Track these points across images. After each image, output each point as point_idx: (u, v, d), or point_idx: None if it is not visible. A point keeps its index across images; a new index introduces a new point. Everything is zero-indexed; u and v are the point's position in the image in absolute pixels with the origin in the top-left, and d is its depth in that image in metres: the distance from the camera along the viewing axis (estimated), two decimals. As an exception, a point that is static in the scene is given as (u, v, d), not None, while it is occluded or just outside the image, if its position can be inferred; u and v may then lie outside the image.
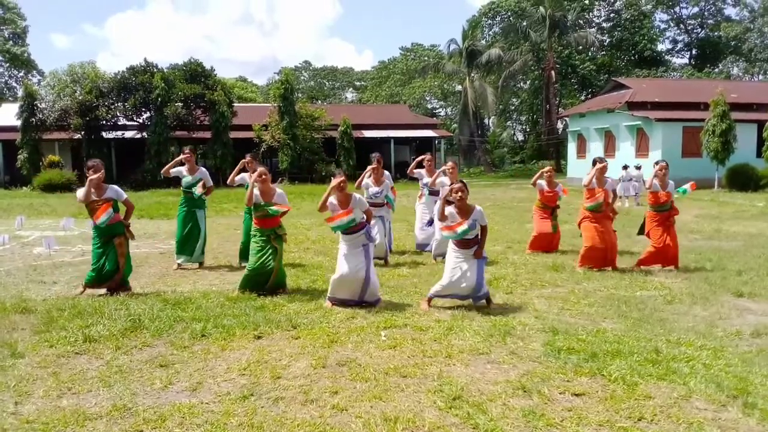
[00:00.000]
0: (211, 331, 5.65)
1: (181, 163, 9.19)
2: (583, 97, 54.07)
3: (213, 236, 12.47)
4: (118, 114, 32.79)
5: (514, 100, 62.34)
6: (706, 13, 60.11)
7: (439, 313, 6.40)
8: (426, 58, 62.94)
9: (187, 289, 7.62)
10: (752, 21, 55.38)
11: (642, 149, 30.04)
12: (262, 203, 7.14)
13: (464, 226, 6.40)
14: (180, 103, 32.77)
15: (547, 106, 49.60)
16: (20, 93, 34.67)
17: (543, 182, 10.67)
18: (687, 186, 9.58)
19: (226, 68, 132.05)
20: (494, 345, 5.31)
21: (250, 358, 4.97)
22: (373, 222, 8.75)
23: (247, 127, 34.95)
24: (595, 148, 33.73)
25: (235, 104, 35.48)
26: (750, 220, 15.22)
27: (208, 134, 33.32)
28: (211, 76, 34.30)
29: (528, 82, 58.65)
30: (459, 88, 54.58)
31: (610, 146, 32.62)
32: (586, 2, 57.81)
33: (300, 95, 57.86)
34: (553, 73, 48.39)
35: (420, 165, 10.70)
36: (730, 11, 59.57)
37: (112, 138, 33.38)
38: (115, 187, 7.43)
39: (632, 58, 57.31)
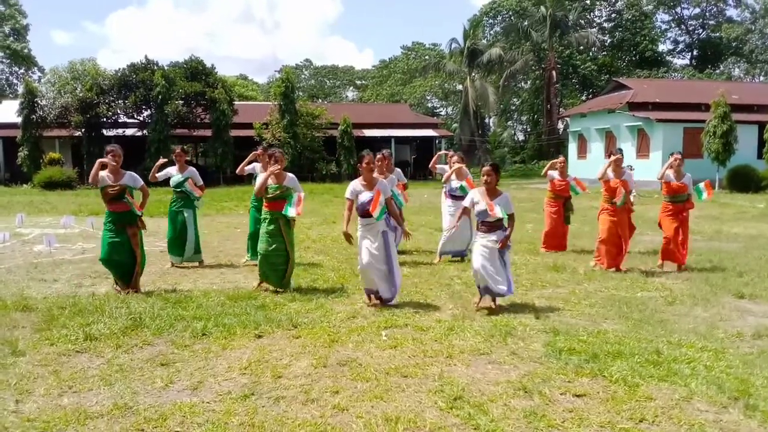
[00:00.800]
0: (211, 329, 5.65)
1: (168, 164, 9.12)
2: (584, 98, 54.05)
3: (213, 235, 12.48)
4: (119, 111, 32.76)
5: (515, 99, 62.30)
6: (707, 14, 60.08)
7: (439, 313, 6.40)
8: (427, 57, 62.92)
9: (188, 287, 7.62)
10: (753, 22, 55.34)
11: (643, 150, 30.06)
12: (274, 185, 7.22)
13: (496, 210, 6.34)
14: (180, 101, 32.75)
15: (548, 106, 49.58)
16: (21, 90, 34.63)
17: (554, 173, 10.65)
18: (702, 185, 9.34)
19: (226, 66, 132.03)
20: (495, 345, 5.31)
21: (251, 357, 4.97)
22: None
23: (248, 126, 34.91)
24: (596, 148, 33.75)
25: (235, 102, 35.45)
26: (751, 221, 15.22)
27: (208, 132, 33.29)
28: (212, 73, 34.28)
29: (529, 82, 58.63)
30: (460, 87, 54.49)
31: (610, 147, 32.59)
32: (588, 2, 57.83)
33: (301, 94, 57.85)
34: (554, 73, 48.38)
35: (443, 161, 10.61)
36: (732, 12, 59.59)
37: (112, 135, 33.27)
38: (133, 173, 7.47)
39: (633, 58, 57.29)
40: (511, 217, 6.45)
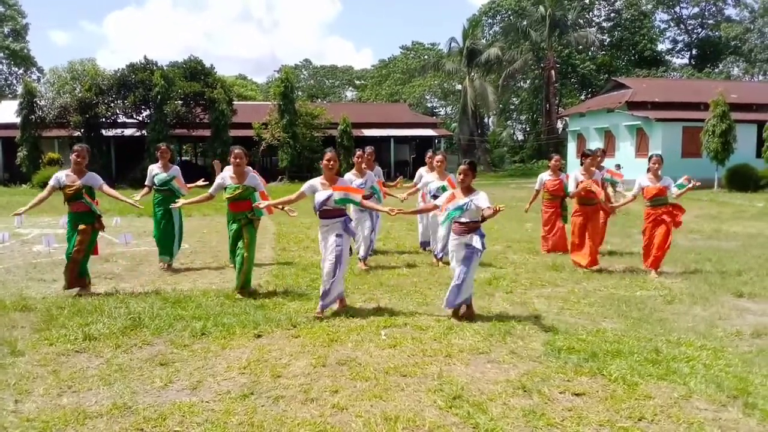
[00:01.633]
0: (211, 329, 5.65)
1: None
2: (583, 97, 54.08)
3: (212, 235, 12.46)
4: (118, 111, 32.74)
5: (514, 99, 62.29)
6: (706, 13, 60.12)
7: (439, 312, 6.40)
8: (426, 57, 62.92)
9: (187, 287, 7.61)
10: (752, 21, 55.39)
11: (642, 149, 30.05)
12: (232, 185, 7.07)
13: (459, 202, 5.96)
14: (180, 101, 32.73)
15: (547, 105, 49.59)
16: (20, 90, 34.61)
17: (544, 175, 10.61)
18: (681, 180, 8.84)
19: (225, 66, 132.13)
20: (494, 344, 5.31)
21: (250, 357, 4.97)
22: (355, 217, 8.72)
23: (247, 125, 34.91)
24: (595, 147, 33.73)
25: (234, 102, 35.43)
26: (750, 220, 15.23)
27: (207, 132, 33.29)
28: (211, 73, 34.26)
29: (528, 82, 58.64)
30: (459, 87, 54.51)
31: (610, 146, 32.60)
32: (587, 2, 57.85)
33: (300, 93, 57.85)
34: (553, 72, 48.38)
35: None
36: (731, 11, 59.64)
37: (111, 135, 33.34)
38: (94, 174, 7.37)
39: (632, 57, 57.31)
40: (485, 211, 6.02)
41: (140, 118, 33.16)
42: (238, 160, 7.08)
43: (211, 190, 7.32)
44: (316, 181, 6.42)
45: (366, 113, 42.00)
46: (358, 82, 78.61)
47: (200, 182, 9.49)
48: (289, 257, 9.91)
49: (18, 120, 31.52)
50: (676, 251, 10.28)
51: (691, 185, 8.65)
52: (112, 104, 32.34)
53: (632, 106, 30.62)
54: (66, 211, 7.27)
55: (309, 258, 9.81)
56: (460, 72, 48.96)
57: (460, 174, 6.17)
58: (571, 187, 8.94)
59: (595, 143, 33.84)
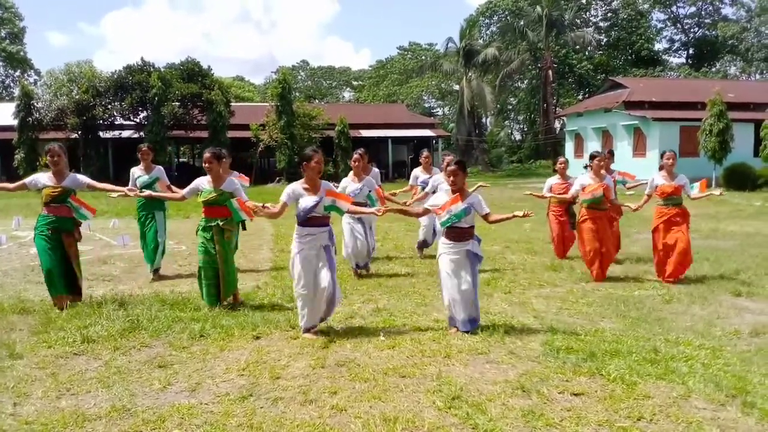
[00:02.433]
0: (209, 331, 5.64)
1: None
2: (580, 97, 54.15)
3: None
4: (115, 113, 32.74)
5: (512, 99, 62.32)
6: (703, 13, 60.20)
7: (437, 313, 6.40)
8: (423, 58, 62.93)
9: (186, 289, 7.60)
10: (749, 20, 55.48)
11: (639, 148, 30.12)
12: (209, 188, 6.50)
13: (461, 205, 5.54)
14: (177, 103, 32.73)
15: (545, 105, 49.63)
16: (17, 92, 34.60)
17: (551, 179, 9.88)
18: (697, 185, 8.25)
19: (223, 67, 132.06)
20: (493, 345, 5.31)
21: (248, 359, 4.97)
22: (349, 222, 8.42)
23: (245, 127, 34.89)
24: (593, 147, 33.74)
25: (232, 103, 35.43)
26: (747, 219, 15.25)
27: (205, 134, 33.28)
28: (209, 75, 34.25)
29: (525, 82, 58.71)
30: (456, 87, 54.54)
31: (607, 145, 32.60)
32: (583, 2, 57.88)
33: (297, 94, 57.81)
34: (550, 72, 48.42)
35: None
36: (728, 10, 59.73)
37: (109, 137, 33.34)
38: (77, 175, 6.89)
39: (629, 57, 57.38)
40: (488, 215, 5.74)
41: (138, 120, 33.15)
42: (207, 165, 6.49)
43: (184, 191, 6.76)
44: (298, 186, 5.69)
45: (363, 114, 42.02)
46: (355, 83, 78.63)
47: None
48: (287, 258, 9.87)
49: (15, 122, 31.51)
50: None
51: (710, 193, 8.26)
52: (109, 106, 32.35)
53: (629, 105, 30.68)
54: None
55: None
56: (457, 72, 48.97)
57: (449, 175, 5.71)
58: (574, 189, 8.42)
59: (592, 143, 33.90)
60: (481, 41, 53.22)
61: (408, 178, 10.67)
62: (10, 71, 57.37)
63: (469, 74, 48.06)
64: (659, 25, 60.87)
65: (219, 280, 6.50)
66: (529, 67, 53.04)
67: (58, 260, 6.51)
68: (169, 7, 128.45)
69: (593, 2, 59.05)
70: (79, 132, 32.00)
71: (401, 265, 9.27)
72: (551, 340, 5.36)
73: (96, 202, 22.50)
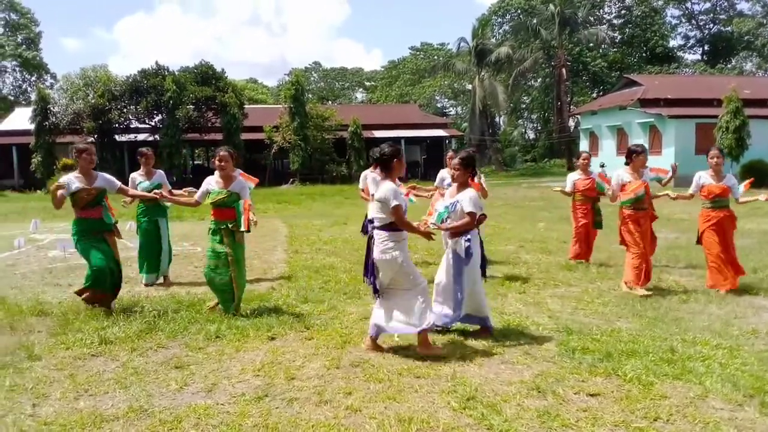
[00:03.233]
0: (225, 332, 5.68)
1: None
2: (594, 95, 53.82)
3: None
4: (131, 117, 33.02)
5: (525, 98, 62.12)
6: (718, 9, 59.64)
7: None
8: (436, 58, 62.89)
9: (201, 290, 7.65)
10: (765, 16, 54.89)
11: (655, 146, 29.86)
12: (216, 189, 6.38)
13: (447, 201, 5.46)
14: (191, 106, 32.96)
15: (558, 103, 49.40)
16: (33, 97, 35.02)
17: (573, 174, 9.47)
18: (741, 185, 7.64)
19: (235, 70, 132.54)
20: (508, 345, 5.29)
21: (264, 359, 4.99)
22: None
23: (258, 129, 35.07)
24: (608, 145, 33.58)
25: (245, 106, 35.62)
26: (765, 217, 15.07)
27: (219, 136, 33.48)
28: (222, 78, 34.46)
29: (539, 80, 58.47)
30: (469, 87, 54.43)
31: (622, 144, 32.40)
32: (597, -1, 57.56)
33: (310, 96, 58.01)
34: (563, 70, 48.18)
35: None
36: (743, 6, 59.58)
37: (124, 141, 33.63)
38: (107, 175, 6.90)
39: (644, 54, 56.98)
40: (470, 215, 5.41)
41: (153, 123, 33.43)
42: (222, 163, 6.40)
43: (197, 195, 6.69)
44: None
45: (376, 115, 42.06)
46: (368, 84, 78.73)
47: (187, 190, 8.24)
48: (301, 259, 9.94)
49: (32, 127, 31.90)
50: (690, 249, 10.20)
51: (756, 198, 7.61)
52: (124, 110, 32.65)
53: (645, 103, 30.45)
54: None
55: (321, 260, 9.84)
56: (470, 72, 48.87)
57: (452, 169, 5.62)
58: (613, 188, 7.60)
59: (607, 141, 33.69)
60: (493, 40, 53.13)
61: (420, 178, 10.45)
62: (26, 76, 58.09)
63: (482, 73, 47.95)
64: (674, 22, 60.51)
65: (232, 286, 6.32)
66: (543, 65, 52.82)
67: (108, 258, 6.49)
68: (181, 11, 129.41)
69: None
70: (95, 136, 32.30)
71: (417, 265, 9.24)
72: (567, 341, 5.33)
73: (112, 205, 22.69)
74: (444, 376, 4.59)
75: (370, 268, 5.15)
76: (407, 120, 41.38)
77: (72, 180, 6.64)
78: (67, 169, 30.64)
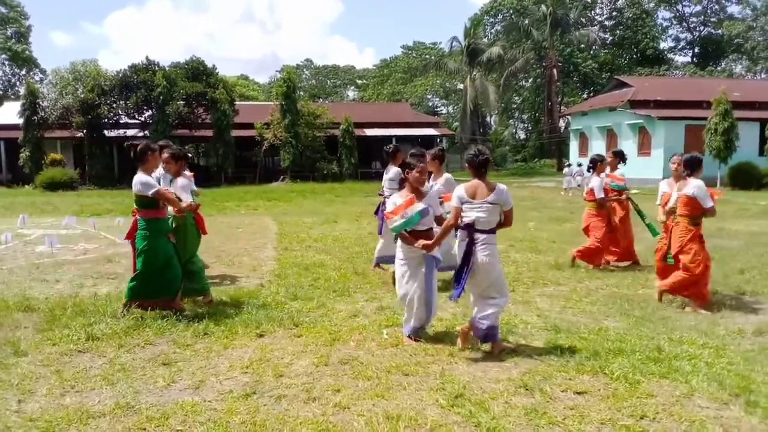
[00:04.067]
0: (213, 329, 5.66)
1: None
2: (585, 96, 54.08)
3: (215, 235, 12.47)
4: (120, 112, 32.86)
5: (516, 98, 62.33)
6: (708, 11, 60.10)
7: (440, 311, 6.39)
8: (428, 57, 62.94)
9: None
10: (755, 19, 55.30)
11: (644, 147, 30.06)
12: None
13: (416, 207, 5.07)
14: (182, 102, 32.82)
15: (549, 104, 49.62)
16: (22, 91, 34.75)
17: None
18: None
19: (227, 66, 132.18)
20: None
21: (252, 356, 4.98)
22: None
23: (249, 126, 34.98)
24: (597, 146, 33.72)
25: (236, 102, 35.54)
26: (752, 218, 15.20)
27: (210, 132, 33.38)
28: (213, 74, 34.34)
29: (530, 81, 58.71)
30: (461, 86, 54.54)
31: (612, 144, 32.57)
32: (588, 0, 57.81)
33: (302, 93, 57.88)
34: (555, 71, 48.39)
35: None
36: (733, 9, 59.86)
37: (113, 136, 33.45)
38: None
39: (634, 56, 57.33)
40: (438, 220, 5.36)
41: (142, 119, 33.27)
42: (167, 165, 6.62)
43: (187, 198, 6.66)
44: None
45: (368, 113, 42.05)
46: (359, 82, 78.69)
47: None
48: (291, 257, 9.92)
49: (21, 121, 31.64)
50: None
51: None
52: (114, 105, 32.48)
53: (634, 104, 30.63)
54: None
55: (311, 257, 9.82)
56: (461, 71, 48.98)
57: (413, 171, 5.29)
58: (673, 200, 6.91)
59: (597, 142, 33.85)
60: (485, 40, 53.23)
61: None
62: (16, 70, 57.61)
63: (474, 73, 48.05)
64: (664, 24, 60.97)
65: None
66: (534, 65, 53.01)
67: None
68: (172, 6, 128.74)
69: (598, 1, 59.06)
70: (84, 131, 32.12)
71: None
72: (555, 339, 5.35)
73: (101, 201, 22.57)
74: (432, 373, 4.59)
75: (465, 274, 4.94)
76: (399, 119, 41.41)
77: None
78: (55, 163, 30.52)
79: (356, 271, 8.59)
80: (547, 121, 50.30)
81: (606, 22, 59.36)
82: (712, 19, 59.98)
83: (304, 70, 78.01)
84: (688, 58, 61.63)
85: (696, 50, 61.32)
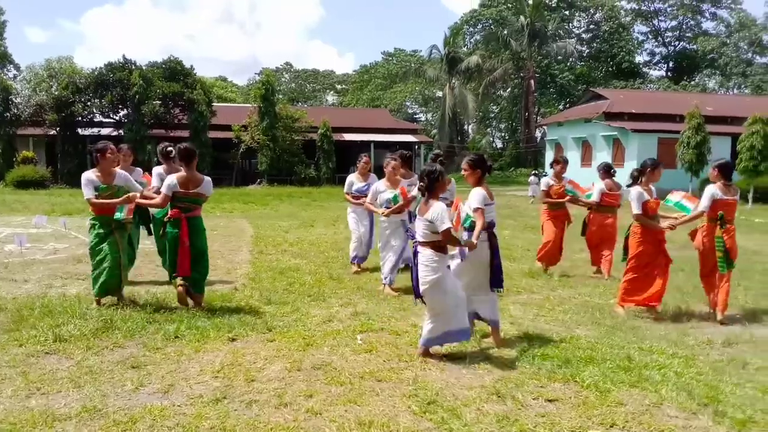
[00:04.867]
0: (184, 332, 5.58)
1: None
2: (561, 107, 54.68)
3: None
4: (95, 110, 32.38)
5: (494, 107, 62.79)
6: (684, 26, 61.19)
7: (415, 317, 6.39)
8: (408, 63, 63.14)
9: (161, 290, 7.51)
10: (729, 36, 56.57)
11: (618, 159, 30.45)
12: (101, 185, 6.35)
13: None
14: (158, 101, 32.44)
15: (526, 114, 50.08)
16: (-6, 87, 34.07)
17: (546, 179, 9.61)
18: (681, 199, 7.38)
19: (206, 67, 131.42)
20: (470, 350, 5.32)
21: (223, 361, 4.92)
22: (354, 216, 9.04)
23: (227, 127, 34.71)
24: (573, 157, 34.09)
25: (214, 104, 35.20)
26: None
27: (186, 133, 32.98)
28: (191, 74, 34.00)
29: (507, 90, 59.16)
30: (440, 94, 54.83)
31: (587, 155, 33.02)
32: (566, 13, 58.60)
33: (281, 97, 57.62)
34: (532, 81, 48.90)
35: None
36: (708, 25, 60.84)
37: (87, 135, 32.93)
38: (124, 173, 6.75)
39: (610, 69, 58.12)
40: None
41: (117, 118, 32.83)
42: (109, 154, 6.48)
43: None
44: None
45: (347, 118, 42.00)
46: (339, 87, 78.61)
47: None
48: (266, 260, 9.85)
49: (-8, 117, 31.02)
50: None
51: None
52: (89, 103, 32.00)
53: (609, 116, 31.05)
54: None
55: (286, 262, 9.76)
56: (440, 79, 49.23)
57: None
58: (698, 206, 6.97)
59: (572, 152, 34.21)
60: (464, 49, 53.65)
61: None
62: (-12, 65, 56.43)
63: (453, 81, 48.34)
64: (640, 38, 61.87)
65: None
66: (512, 76, 53.45)
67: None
68: (151, 4, 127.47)
69: (576, 14, 59.82)
70: (58, 128, 31.59)
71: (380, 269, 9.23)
72: (527, 347, 5.39)
73: (72, 200, 22.17)
74: (405, 380, 4.59)
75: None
76: (377, 124, 41.42)
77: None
78: (27, 161, 29.95)
79: (331, 276, 8.56)
80: (524, 130, 50.74)
81: (583, 35, 60.17)
82: (687, 35, 61.11)
83: (284, 73, 77.69)
84: (662, 72, 62.73)
85: (671, 64, 62.44)
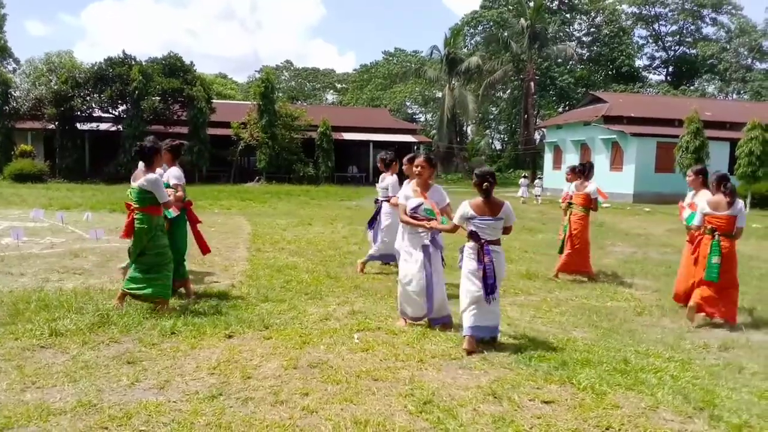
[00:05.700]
0: (181, 328, 5.57)
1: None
2: (560, 109, 54.75)
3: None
4: (94, 105, 32.32)
5: (493, 108, 62.84)
6: (684, 31, 61.32)
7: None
8: (408, 64, 63.14)
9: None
10: (729, 41, 56.69)
11: (616, 162, 30.51)
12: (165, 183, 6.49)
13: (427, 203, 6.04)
14: (157, 97, 32.42)
15: (526, 116, 50.07)
16: (-6, 80, 33.99)
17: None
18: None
19: (206, 64, 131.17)
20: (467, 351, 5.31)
21: (220, 357, 4.91)
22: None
23: (226, 124, 34.68)
24: (571, 159, 34.11)
25: (214, 101, 35.20)
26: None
27: (185, 130, 32.96)
28: (191, 71, 33.97)
29: (507, 92, 59.23)
30: (439, 94, 54.83)
31: (585, 158, 32.99)
32: (567, 16, 58.66)
33: (280, 94, 57.59)
34: (532, 84, 48.88)
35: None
36: (708, 30, 60.90)
37: (86, 129, 32.90)
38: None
39: (610, 72, 58.22)
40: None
41: (116, 113, 32.79)
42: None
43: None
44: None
45: (346, 117, 42.00)
46: (339, 86, 78.60)
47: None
48: (263, 258, 9.84)
49: (-9, 111, 30.97)
50: (647, 264, 10.46)
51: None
52: (88, 98, 31.95)
53: (608, 120, 31.07)
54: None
55: (284, 259, 9.75)
56: (440, 80, 49.23)
57: (417, 167, 6.20)
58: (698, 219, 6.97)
59: (571, 155, 34.25)
60: (465, 50, 53.67)
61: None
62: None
63: (452, 82, 48.35)
64: (641, 42, 62.03)
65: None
66: (512, 77, 53.49)
67: None
68: (152, 0, 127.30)
69: (577, 17, 59.87)
70: (56, 123, 31.53)
71: (378, 269, 9.25)
72: (524, 348, 5.38)
73: (70, 194, 22.14)
74: (402, 379, 4.58)
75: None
76: (377, 124, 41.42)
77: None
78: (25, 155, 29.88)
79: (329, 274, 8.55)
80: (523, 132, 50.73)
81: (584, 38, 60.25)
82: (687, 39, 61.22)
83: (284, 71, 77.65)
84: (662, 77, 62.83)
85: (670, 69, 62.53)
